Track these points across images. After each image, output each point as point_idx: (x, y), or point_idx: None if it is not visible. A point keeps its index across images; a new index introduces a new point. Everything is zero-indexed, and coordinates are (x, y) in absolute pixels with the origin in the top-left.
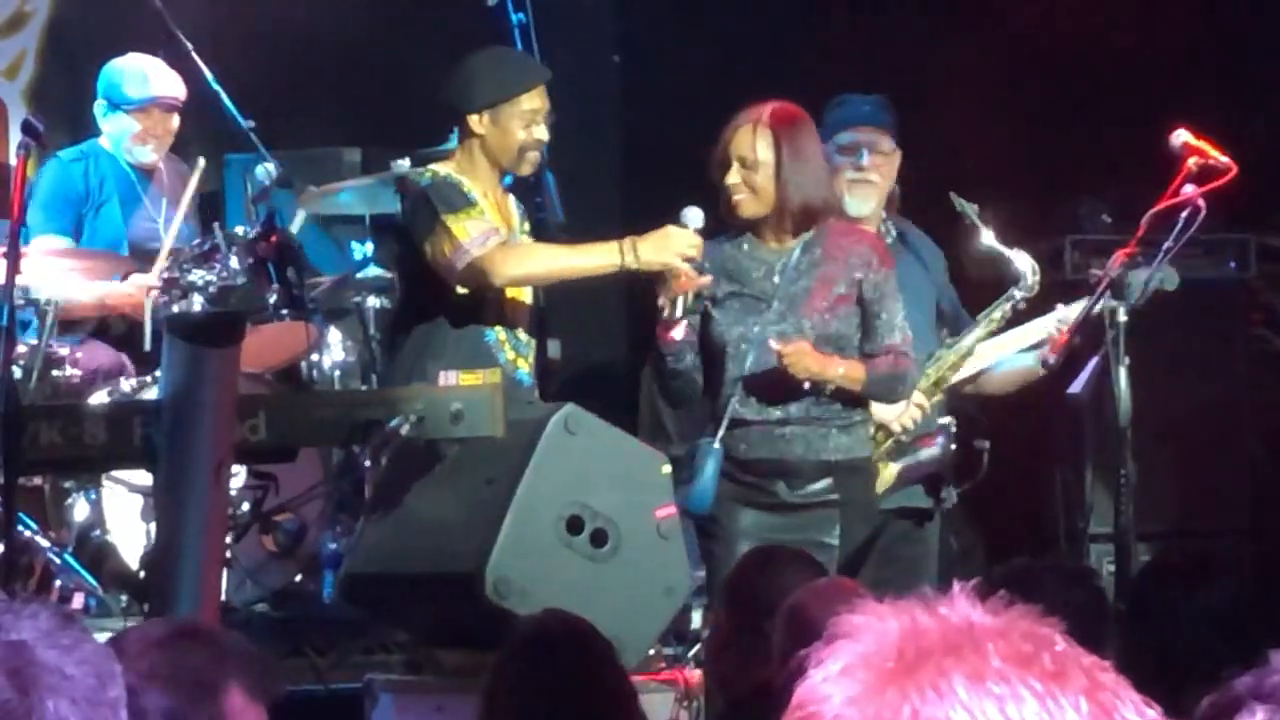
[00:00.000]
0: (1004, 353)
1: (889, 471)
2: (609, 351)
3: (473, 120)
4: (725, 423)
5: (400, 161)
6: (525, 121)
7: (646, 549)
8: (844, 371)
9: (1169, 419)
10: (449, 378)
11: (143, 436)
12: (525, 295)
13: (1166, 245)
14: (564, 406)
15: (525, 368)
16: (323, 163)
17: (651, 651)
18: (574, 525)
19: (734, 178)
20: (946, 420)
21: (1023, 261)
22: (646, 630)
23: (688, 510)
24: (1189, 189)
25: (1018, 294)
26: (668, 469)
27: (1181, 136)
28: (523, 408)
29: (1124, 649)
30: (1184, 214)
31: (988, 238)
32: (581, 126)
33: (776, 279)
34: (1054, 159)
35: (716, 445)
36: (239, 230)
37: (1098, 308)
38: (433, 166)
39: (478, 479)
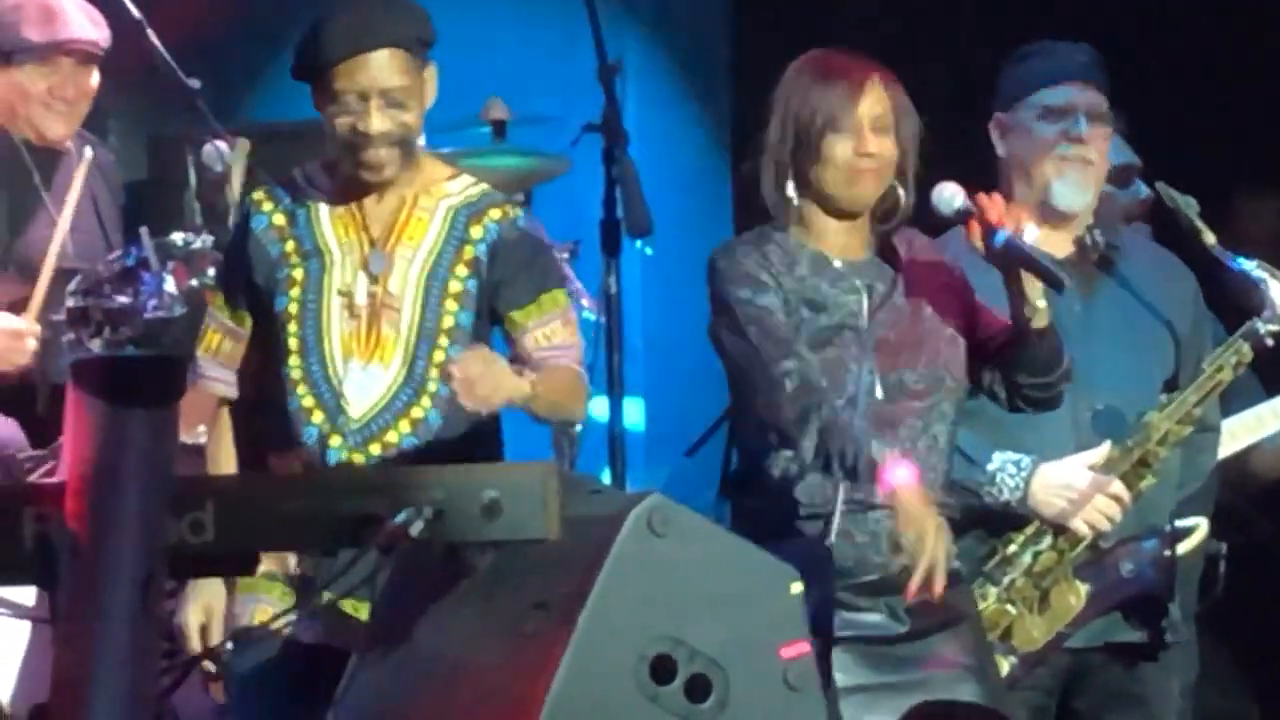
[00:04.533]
0: (1263, 430)
1: (1077, 593)
2: (718, 412)
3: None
4: (839, 511)
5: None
6: (338, 109)
7: (767, 704)
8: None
9: None
10: None
11: (36, 537)
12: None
13: None
14: (647, 496)
15: (355, 448)
16: (305, 141)
17: None
18: (662, 669)
19: (874, 145)
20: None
21: (1267, 280)
22: None
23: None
24: None
25: (1262, 329)
26: (798, 587)
27: None
28: (586, 498)
29: None
30: None
31: (1212, 244)
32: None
33: (865, 303)
34: None
35: (829, 542)
36: (177, 238)
37: None
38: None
39: (522, 602)
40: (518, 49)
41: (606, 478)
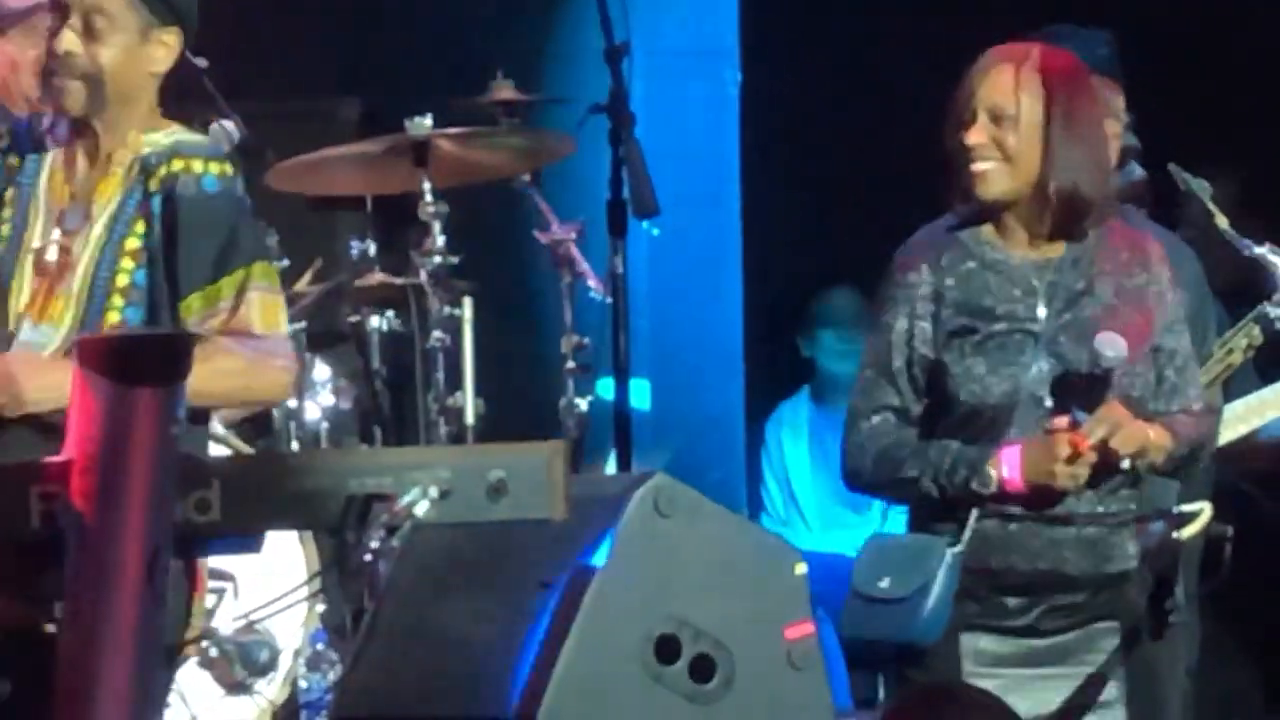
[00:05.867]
0: (1271, 411)
1: None
2: (724, 393)
3: None
4: (973, 518)
5: (420, 120)
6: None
7: (771, 684)
8: (1154, 438)
9: None
10: None
11: (43, 515)
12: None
13: None
14: (651, 477)
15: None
16: (308, 121)
17: None
18: (666, 649)
19: (979, 135)
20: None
21: (1277, 264)
22: None
23: (910, 644)
24: None
25: (1272, 312)
26: (802, 568)
27: None
28: (591, 480)
29: None
30: None
31: (1225, 228)
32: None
33: (1042, 306)
34: None
35: (958, 550)
36: None
37: None
38: None
39: (527, 582)
40: (525, 29)
41: (613, 458)
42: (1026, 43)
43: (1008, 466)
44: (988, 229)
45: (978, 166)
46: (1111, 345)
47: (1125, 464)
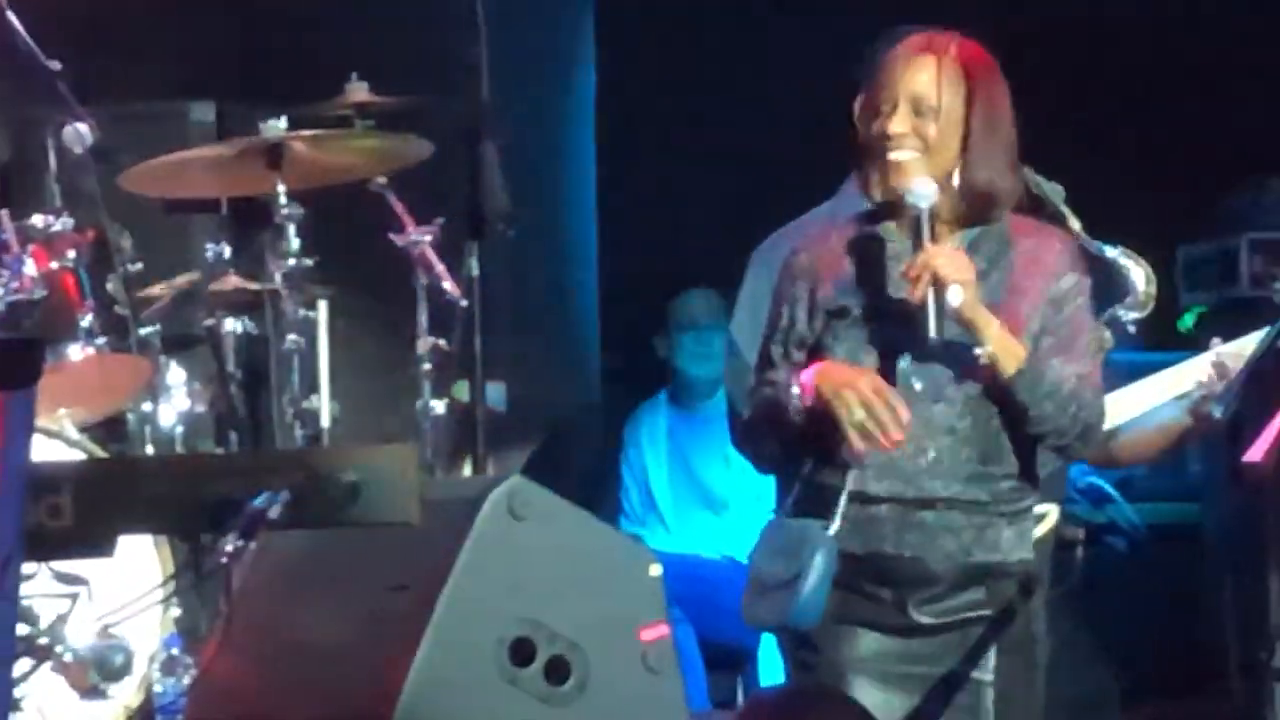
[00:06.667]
0: (1137, 408)
1: None
2: (581, 396)
3: None
4: (843, 500)
5: (274, 123)
6: None
7: (626, 686)
8: (998, 333)
9: None
10: None
11: None
12: None
13: None
14: (506, 480)
15: None
16: (161, 123)
17: None
18: (521, 652)
19: (901, 125)
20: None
21: (1130, 267)
22: None
23: (786, 627)
24: None
25: (1122, 315)
26: (657, 570)
27: None
28: (446, 483)
29: None
30: None
31: (1078, 231)
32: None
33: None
34: (1215, 132)
35: (830, 532)
36: (38, 221)
37: None
38: None
39: (380, 585)
40: (381, 29)
41: (468, 460)
42: (943, 33)
43: (807, 373)
44: (900, 222)
45: (896, 156)
46: (923, 185)
47: (955, 299)
